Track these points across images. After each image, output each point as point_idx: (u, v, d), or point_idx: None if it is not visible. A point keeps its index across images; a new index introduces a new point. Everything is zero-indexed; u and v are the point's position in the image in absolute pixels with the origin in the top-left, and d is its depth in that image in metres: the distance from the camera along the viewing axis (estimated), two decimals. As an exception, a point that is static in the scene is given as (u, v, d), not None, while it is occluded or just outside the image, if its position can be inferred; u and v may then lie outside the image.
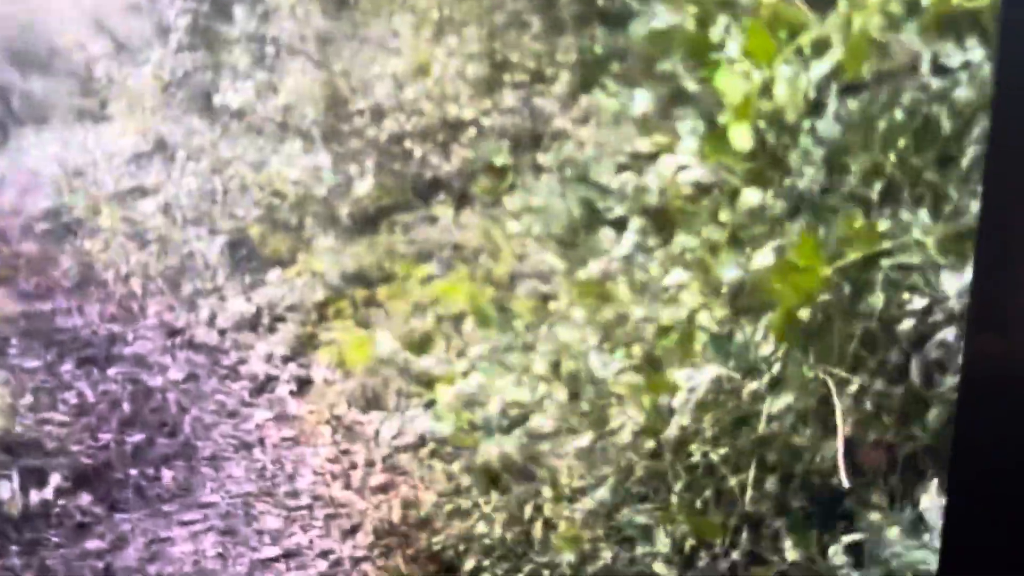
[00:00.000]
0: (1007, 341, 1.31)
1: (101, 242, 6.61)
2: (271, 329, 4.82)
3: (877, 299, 2.82)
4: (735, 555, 2.99)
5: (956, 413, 1.39)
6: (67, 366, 4.86)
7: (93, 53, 7.31)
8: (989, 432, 1.35)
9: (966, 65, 2.83)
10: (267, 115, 6.19)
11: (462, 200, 5.33)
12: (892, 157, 2.90)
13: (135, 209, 6.60)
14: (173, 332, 5.37)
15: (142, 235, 6.42)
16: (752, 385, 3.05)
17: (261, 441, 4.14)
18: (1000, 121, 1.28)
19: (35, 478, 3.77)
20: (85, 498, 3.76)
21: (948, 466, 1.66)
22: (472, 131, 5.53)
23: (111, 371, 4.79)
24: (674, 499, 3.14)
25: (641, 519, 3.21)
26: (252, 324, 4.99)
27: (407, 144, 5.71)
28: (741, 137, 3.28)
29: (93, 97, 7.51)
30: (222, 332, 5.02)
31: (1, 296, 5.92)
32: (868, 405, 2.86)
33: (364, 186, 5.12)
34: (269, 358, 4.55)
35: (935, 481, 2.63)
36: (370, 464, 3.92)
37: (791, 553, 2.88)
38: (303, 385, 4.33)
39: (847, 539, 2.79)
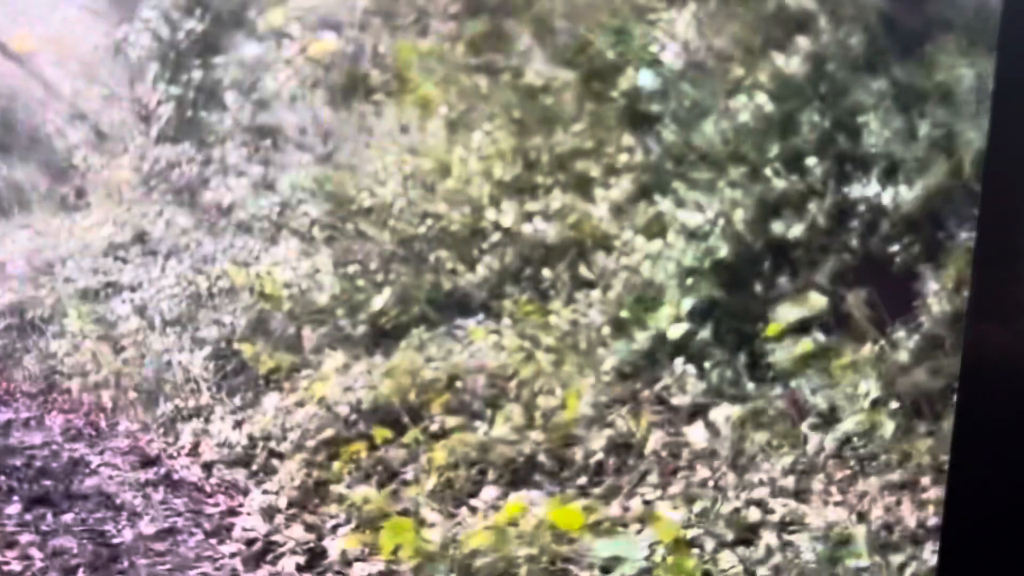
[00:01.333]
0: (1007, 332, 1.20)
1: (69, 344, 5.36)
2: (267, 469, 3.56)
3: None
4: None
5: (957, 404, 1.28)
6: (14, 507, 3.56)
7: (72, 141, 6.19)
8: (990, 422, 1.23)
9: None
10: (260, 212, 4.98)
11: (487, 315, 4.14)
12: None
13: (108, 308, 5.35)
14: (146, 462, 4.08)
15: (115, 339, 5.17)
16: None
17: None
18: (1000, 117, 1.19)
19: None
20: None
21: (949, 459, 1.37)
22: (496, 236, 4.36)
23: (68, 516, 3.49)
24: None
25: None
26: (244, 460, 3.72)
27: (421, 249, 4.52)
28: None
29: (70, 185, 6.36)
30: (207, 467, 3.74)
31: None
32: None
33: (380, 300, 3.90)
34: (270, 514, 3.28)
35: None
36: None
37: None
38: (315, 558, 3.05)
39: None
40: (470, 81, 3.98)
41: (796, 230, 2.85)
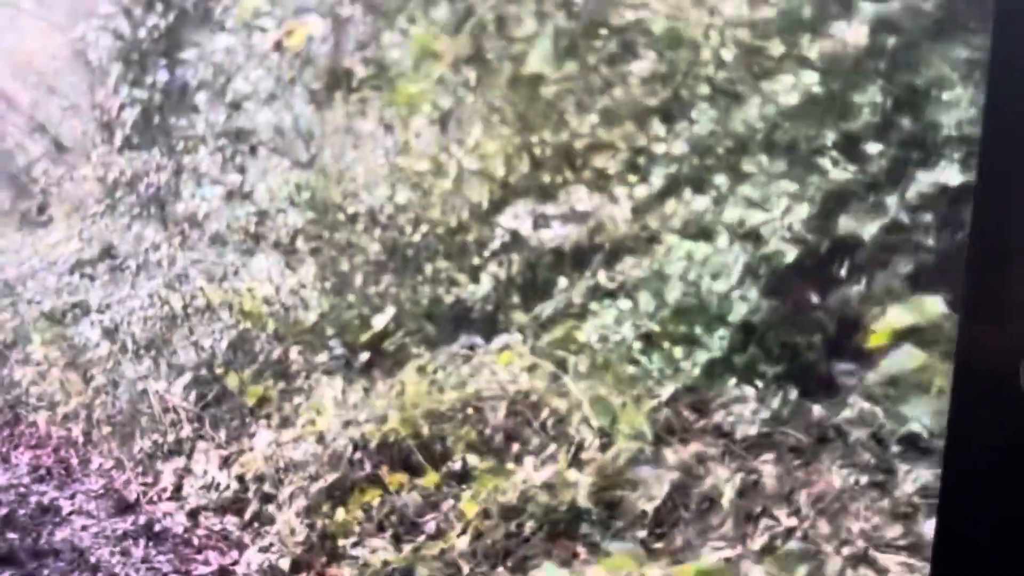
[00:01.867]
0: (1000, 333, 1.18)
1: (34, 371, 4.74)
2: (263, 518, 2.97)
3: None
4: None
5: (951, 403, 1.23)
6: (-25, 571, 2.98)
7: (33, 154, 5.55)
8: (983, 420, 1.21)
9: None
10: (236, 224, 4.37)
11: (499, 332, 3.58)
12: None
13: (76, 331, 4.73)
14: (124, 507, 3.48)
15: (84, 366, 4.56)
16: None
17: None
18: (993, 116, 1.16)
19: None
20: None
21: (942, 457, 1.34)
22: (498, 243, 3.80)
23: (36, 580, 2.91)
24: None
25: None
26: (235, 506, 3.13)
27: (416, 259, 3.95)
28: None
29: (30, 200, 5.73)
30: (193, 515, 3.15)
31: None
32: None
33: (382, 319, 3.32)
34: None
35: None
36: None
37: None
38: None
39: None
40: (466, 72, 3.37)
41: (871, 227, 2.29)
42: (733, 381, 2.66)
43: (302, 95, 3.85)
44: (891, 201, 2.52)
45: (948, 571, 1.31)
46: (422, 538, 2.47)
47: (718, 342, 2.57)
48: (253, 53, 3.96)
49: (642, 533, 2.36)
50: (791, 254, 2.57)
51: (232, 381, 3.54)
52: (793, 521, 2.22)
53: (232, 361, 4.09)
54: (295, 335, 4.05)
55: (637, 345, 2.96)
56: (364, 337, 3.61)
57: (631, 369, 2.72)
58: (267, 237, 4.24)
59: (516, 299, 3.59)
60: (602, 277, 3.40)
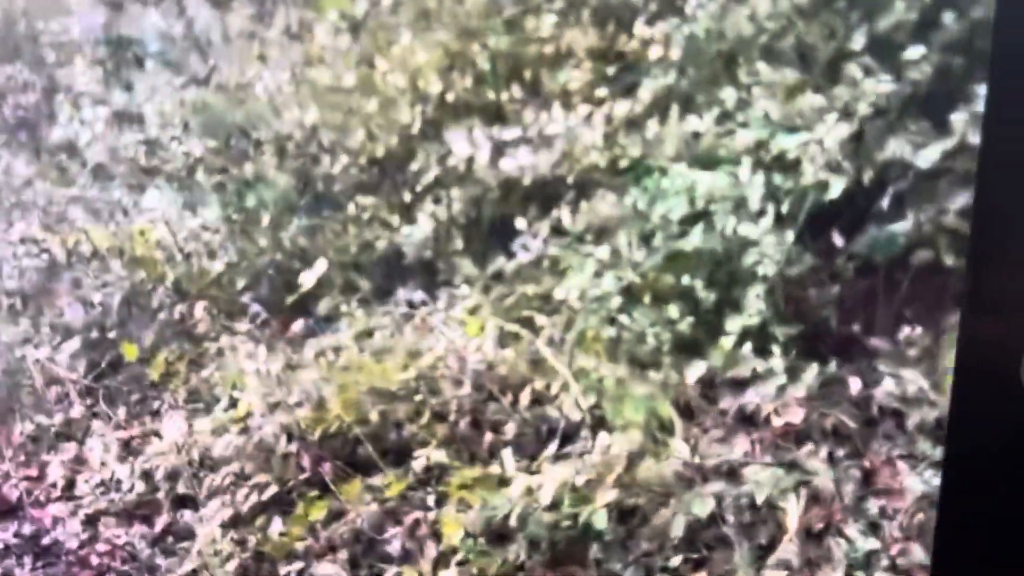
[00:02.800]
0: (1002, 325, 1.17)
1: None
2: (178, 531, 2.38)
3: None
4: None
5: (951, 397, 1.21)
6: None
7: None
8: (984, 414, 1.20)
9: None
10: (125, 154, 3.66)
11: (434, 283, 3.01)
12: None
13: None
14: (4, 511, 2.87)
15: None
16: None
17: None
18: (995, 109, 1.13)
19: None
20: None
21: (943, 456, 1.31)
22: (432, 175, 3.20)
23: None
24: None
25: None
26: (142, 511, 2.54)
27: (337, 196, 3.34)
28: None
29: None
30: (91, 522, 2.54)
31: None
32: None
33: (311, 275, 2.71)
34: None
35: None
36: None
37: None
38: None
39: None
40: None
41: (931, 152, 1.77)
42: (756, 350, 2.11)
43: None
44: (957, 119, 1.98)
45: (950, 567, 1.27)
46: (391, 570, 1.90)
47: (753, 303, 2.02)
48: None
49: (674, 560, 1.83)
50: (836, 185, 2.02)
51: (130, 351, 2.89)
52: (873, 543, 1.71)
53: (127, 321, 3.42)
54: (200, 289, 3.39)
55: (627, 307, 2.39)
56: (289, 298, 2.98)
57: (627, 335, 2.15)
58: (160, 170, 3.52)
59: (460, 244, 3.00)
60: (566, 216, 2.82)
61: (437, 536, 1.98)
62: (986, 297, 1.19)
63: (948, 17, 2.19)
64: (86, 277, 3.62)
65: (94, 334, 3.48)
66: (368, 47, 3.15)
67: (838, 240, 2.27)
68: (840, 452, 1.93)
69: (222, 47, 3.27)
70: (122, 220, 3.63)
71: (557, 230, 2.75)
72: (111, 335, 3.40)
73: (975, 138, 2.08)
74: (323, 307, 2.96)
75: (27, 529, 2.68)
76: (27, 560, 2.55)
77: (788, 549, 1.75)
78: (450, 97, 2.93)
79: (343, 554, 2.05)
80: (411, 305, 2.83)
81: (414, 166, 3.07)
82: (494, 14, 3.04)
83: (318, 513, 2.10)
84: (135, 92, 3.49)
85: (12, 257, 3.71)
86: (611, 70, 2.77)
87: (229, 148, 3.28)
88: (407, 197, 3.14)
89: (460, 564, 1.91)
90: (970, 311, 1.21)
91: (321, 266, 2.76)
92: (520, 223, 2.87)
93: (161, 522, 2.48)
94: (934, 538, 1.29)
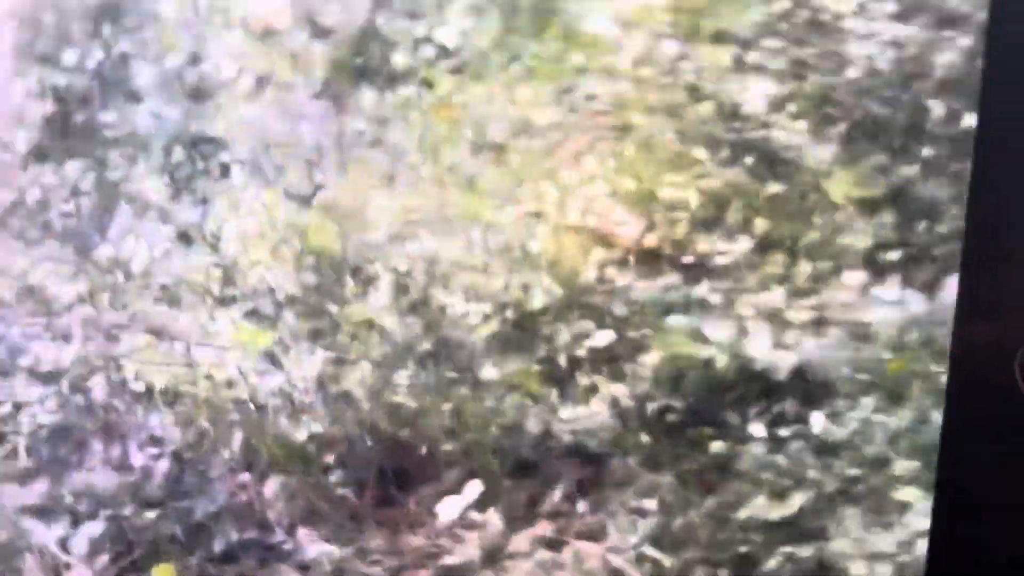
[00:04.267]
0: (997, 326, 1.14)
1: None
2: None
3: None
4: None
5: (946, 397, 1.19)
6: None
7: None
8: (978, 414, 1.19)
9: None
10: (191, 278, 2.84)
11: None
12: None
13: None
14: None
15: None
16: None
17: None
18: (989, 110, 1.12)
19: None
20: None
21: (938, 457, 1.32)
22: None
23: None
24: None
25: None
26: None
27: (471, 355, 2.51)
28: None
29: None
30: None
31: None
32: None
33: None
34: None
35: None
36: None
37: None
38: None
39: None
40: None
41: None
42: None
43: (307, 85, 2.31)
44: None
45: (944, 567, 1.25)
46: None
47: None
48: (232, 14, 2.42)
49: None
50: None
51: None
52: None
53: (175, 493, 2.53)
54: (275, 459, 2.49)
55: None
56: (395, 487, 2.08)
57: None
58: (237, 301, 2.67)
59: (644, 438, 2.12)
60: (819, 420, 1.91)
61: None
62: (980, 299, 1.20)
63: None
64: (129, 428, 2.74)
65: (127, 509, 2.58)
66: (528, 169, 2.31)
67: None
68: None
69: (334, 156, 2.44)
70: (183, 357, 2.77)
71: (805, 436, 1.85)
72: (148, 513, 2.49)
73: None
74: (448, 508, 2.07)
75: None
76: None
77: None
78: (650, 240, 2.06)
79: None
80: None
81: (582, 324, 2.19)
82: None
83: None
84: (212, 205, 2.65)
85: (37, 402, 2.84)
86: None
87: (332, 285, 2.41)
88: (567, 362, 2.26)
89: None
90: (964, 313, 1.21)
91: (474, 489, 1.87)
92: (735, 418, 1.97)
93: None
94: (928, 541, 1.26)
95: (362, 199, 2.49)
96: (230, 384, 2.68)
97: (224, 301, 2.74)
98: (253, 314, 2.69)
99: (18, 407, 2.86)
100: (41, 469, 2.86)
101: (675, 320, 2.07)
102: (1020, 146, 1.12)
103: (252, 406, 2.67)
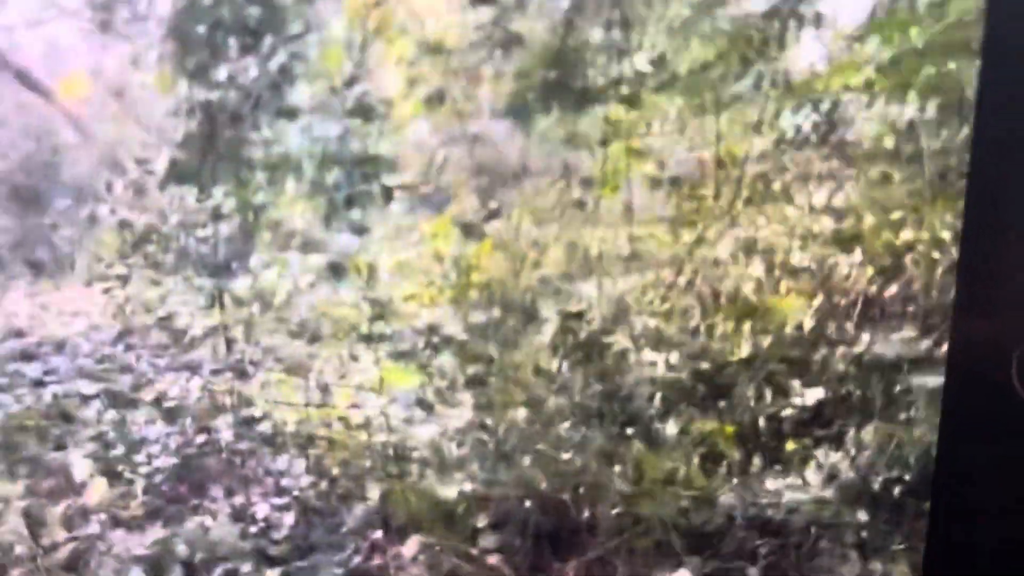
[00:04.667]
0: (993, 325, 1.14)
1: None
2: None
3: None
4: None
5: (943, 396, 1.21)
6: None
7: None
8: (974, 412, 1.18)
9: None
10: (338, 314, 2.60)
11: None
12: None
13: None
14: None
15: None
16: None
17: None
18: (985, 110, 1.13)
19: None
20: None
21: (935, 456, 1.33)
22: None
23: None
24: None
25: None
26: None
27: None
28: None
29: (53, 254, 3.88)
30: None
31: None
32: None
33: None
34: None
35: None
36: None
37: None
38: None
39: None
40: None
41: None
42: None
43: (491, 103, 2.06)
44: None
45: (941, 565, 1.24)
46: None
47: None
48: (404, 26, 2.19)
49: None
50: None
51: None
52: None
53: (302, 550, 2.24)
54: (416, 517, 2.19)
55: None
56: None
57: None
58: (386, 339, 2.40)
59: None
60: None
61: None
62: (977, 299, 1.17)
63: None
64: (254, 474, 2.47)
65: (246, 565, 2.30)
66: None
67: None
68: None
69: (518, 178, 2.17)
70: (319, 397, 2.51)
71: None
72: (269, 573, 2.20)
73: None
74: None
75: None
76: None
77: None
78: (888, 290, 1.74)
79: None
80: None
81: (789, 380, 1.88)
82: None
83: None
84: (371, 235, 2.40)
85: (157, 440, 2.59)
86: None
87: (498, 324, 2.13)
88: (768, 423, 1.94)
89: None
90: (961, 313, 1.20)
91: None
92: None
93: None
94: (926, 538, 1.26)
95: (539, 230, 2.21)
96: (369, 429, 2.39)
97: (370, 338, 2.47)
98: (403, 354, 2.41)
99: (138, 444, 2.61)
100: (156, 514, 2.59)
101: (916, 379, 1.73)
102: (1017, 147, 1.10)
103: (393, 454, 2.38)
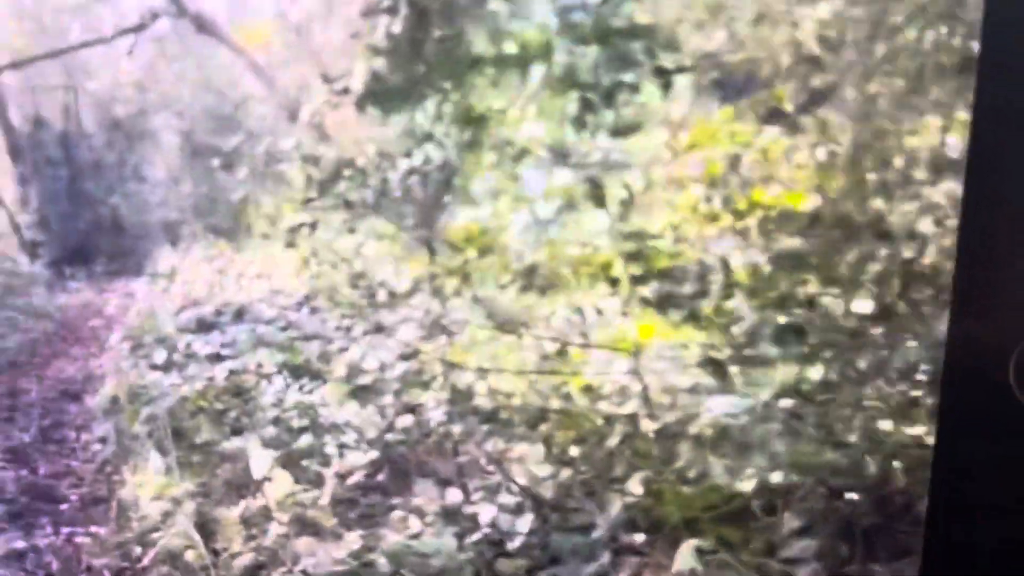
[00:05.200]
0: (990, 326, 1.17)
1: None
2: None
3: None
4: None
5: (940, 396, 1.21)
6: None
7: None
8: (972, 414, 1.19)
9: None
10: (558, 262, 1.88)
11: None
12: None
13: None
14: None
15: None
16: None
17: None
18: (983, 109, 1.14)
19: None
20: None
21: (932, 457, 1.30)
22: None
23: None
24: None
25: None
26: None
27: None
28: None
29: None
30: None
31: None
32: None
33: None
34: None
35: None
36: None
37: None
38: None
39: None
40: None
41: None
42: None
43: None
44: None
45: (939, 567, 1.25)
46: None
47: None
48: None
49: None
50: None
51: None
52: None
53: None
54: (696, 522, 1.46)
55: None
56: None
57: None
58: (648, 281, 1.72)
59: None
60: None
61: None
62: (974, 298, 1.16)
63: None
64: (470, 465, 1.83)
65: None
66: None
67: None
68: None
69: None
70: (551, 361, 1.85)
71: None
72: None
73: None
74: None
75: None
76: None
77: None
78: None
79: None
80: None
81: None
82: None
83: None
84: (620, 146, 1.74)
85: (358, 409, 1.99)
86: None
87: (825, 252, 1.41)
88: None
89: None
90: (958, 312, 1.17)
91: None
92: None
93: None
94: (923, 541, 1.22)
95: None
96: (622, 398, 1.72)
97: (618, 282, 1.79)
98: (666, 300, 1.72)
99: (327, 433, 2.01)
100: (350, 522, 1.99)
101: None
102: (1016, 146, 1.04)
103: (652, 431, 1.69)
